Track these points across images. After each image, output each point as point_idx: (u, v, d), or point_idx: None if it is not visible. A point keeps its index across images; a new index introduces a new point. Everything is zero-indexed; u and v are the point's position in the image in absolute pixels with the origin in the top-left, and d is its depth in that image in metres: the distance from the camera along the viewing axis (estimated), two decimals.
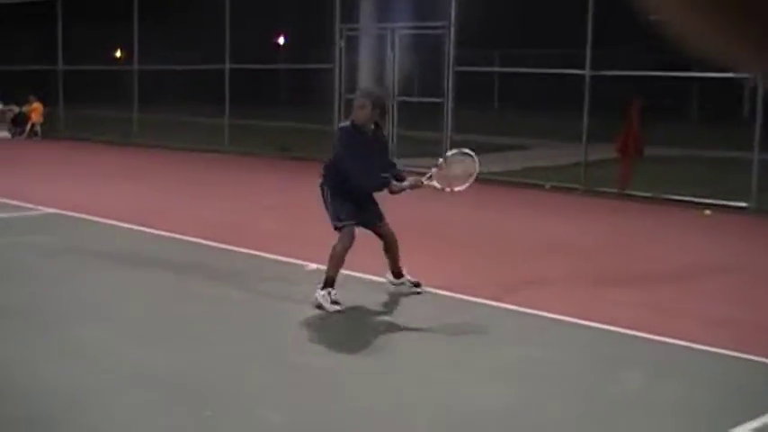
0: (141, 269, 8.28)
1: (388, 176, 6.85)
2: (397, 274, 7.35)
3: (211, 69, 21.02)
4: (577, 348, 6.08)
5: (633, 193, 13.75)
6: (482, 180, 15.62)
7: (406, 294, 7.33)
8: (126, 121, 22.86)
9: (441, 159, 7.25)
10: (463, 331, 6.47)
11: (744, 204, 12.80)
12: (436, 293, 7.36)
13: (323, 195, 6.93)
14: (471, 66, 17.52)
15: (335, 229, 6.83)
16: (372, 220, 7.03)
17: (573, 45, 15.06)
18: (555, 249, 9.56)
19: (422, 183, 7.02)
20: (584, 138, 14.68)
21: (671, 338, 6.17)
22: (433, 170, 7.12)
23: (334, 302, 6.70)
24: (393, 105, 17.76)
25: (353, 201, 6.84)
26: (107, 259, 8.63)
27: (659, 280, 8.20)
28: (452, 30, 16.16)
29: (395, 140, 17.75)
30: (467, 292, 7.35)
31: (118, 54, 27.86)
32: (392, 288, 7.43)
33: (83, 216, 10.77)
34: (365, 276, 7.74)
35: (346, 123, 6.99)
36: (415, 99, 20.84)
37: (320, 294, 6.72)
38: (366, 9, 18.37)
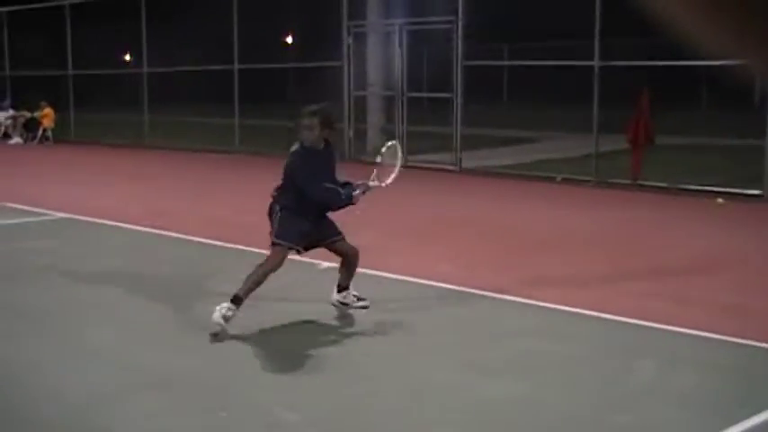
0: (154, 271, 8.30)
1: (349, 191, 6.46)
2: (344, 288, 6.79)
3: (220, 70, 21.05)
4: (590, 340, 6.07)
5: (645, 183, 13.72)
6: (493, 174, 15.73)
7: (418, 290, 7.33)
8: (136, 124, 22.92)
9: (379, 157, 6.92)
10: (474, 324, 6.47)
11: (757, 192, 12.74)
12: (448, 287, 7.35)
13: (271, 213, 6.58)
14: (480, 60, 17.48)
15: (272, 244, 6.44)
16: (328, 236, 6.57)
17: (581, 36, 15.02)
18: (567, 241, 9.54)
19: (368, 186, 6.58)
20: (595, 129, 14.64)
21: (684, 328, 6.15)
22: (375, 171, 6.76)
23: (225, 318, 6.05)
24: (402, 101, 17.76)
25: (308, 221, 6.45)
26: (120, 262, 8.65)
27: (672, 270, 8.17)
28: (460, 24, 16.14)
29: (405, 137, 17.77)
30: (478, 286, 7.34)
31: (127, 57, 27.91)
32: (404, 285, 7.42)
33: (95, 220, 10.80)
34: (375, 273, 7.74)
35: (296, 147, 6.58)
36: (424, 95, 20.85)
37: (220, 309, 6.09)
38: (373, 5, 18.35)
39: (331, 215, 6.62)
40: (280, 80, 24.50)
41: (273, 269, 6.31)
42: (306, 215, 6.44)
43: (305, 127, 6.46)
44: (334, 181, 6.57)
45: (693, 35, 0.63)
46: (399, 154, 6.98)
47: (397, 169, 6.80)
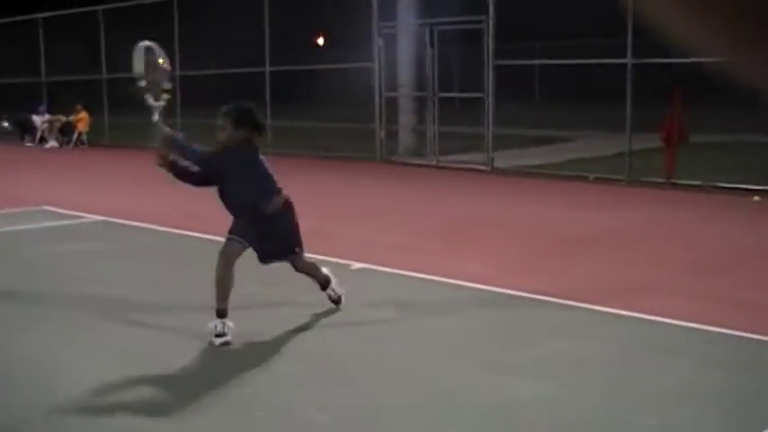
0: (190, 273, 8.36)
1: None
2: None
3: (252, 72, 21.15)
4: (620, 340, 6.04)
5: (679, 181, 13.62)
6: (525, 173, 15.68)
7: (448, 290, 7.33)
8: (170, 127, 23.05)
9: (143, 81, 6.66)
10: (504, 324, 6.46)
11: None
12: (477, 287, 7.35)
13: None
14: (511, 59, 17.44)
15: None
16: (276, 250, 6.45)
17: (614, 34, 14.93)
18: (599, 241, 9.50)
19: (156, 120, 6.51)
20: (628, 127, 14.55)
21: (716, 327, 6.11)
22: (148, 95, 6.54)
23: (219, 335, 5.93)
24: (434, 102, 17.77)
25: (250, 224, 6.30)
26: (156, 264, 8.73)
27: (706, 268, 8.11)
28: (491, 23, 16.10)
29: (436, 138, 17.76)
30: (508, 286, 7.34)
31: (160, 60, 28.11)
32: (434, 285, 7.43)
33: (131, 223, 10.91)
34: (405, 273, 7.76)
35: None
36: (455, 95, 20.83)
37: (212, 326, 5.97)
38: (403, 6, 18.37)
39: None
40: (311, 81, 24.58)
41: (229, 266, 6.15)
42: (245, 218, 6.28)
43: (219, 128, 6.37)
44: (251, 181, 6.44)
45: (684, 36, 0.63)
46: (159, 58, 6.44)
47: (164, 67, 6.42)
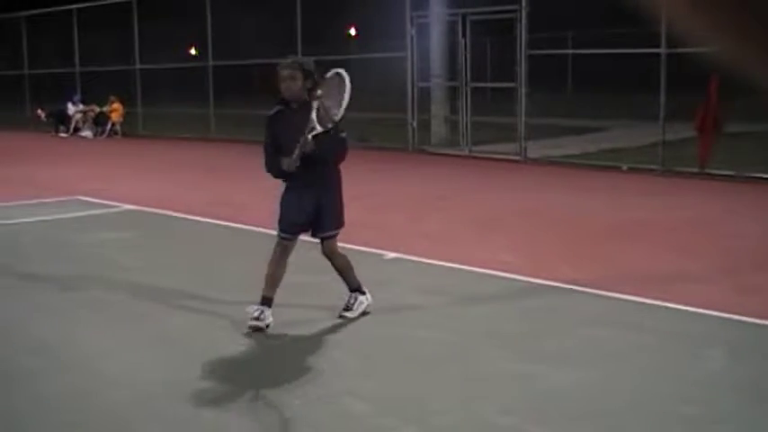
0: (223, 260, 8.44)
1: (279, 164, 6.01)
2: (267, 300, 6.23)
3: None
4: (657, 329, 6.02)
5: (713, 171, 13.51)
6: (558, 163, 15.62)
7: (483, 280, 7.34)
8: (203, 117, 23.20)
9: (315, 102, 5.93)
10: (539, 314, 6.46)
11: None
12: (512, 277, 7.35)
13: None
14: (544, 49, 17.36)
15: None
16: (319, 227, 6.32)
17: (647, 23, 14.81)
18: (633, 230, 9.46)
19: (307, 139, 5.81)
20: (662, 117, 14.45)
21: (754, 318, 6.08)
22: (313, 119, 5.84)
23: (255, 319, 5.97)
24: (466, 92, 17.73)
25: (302, 198, 6.17)
26: (190, 253, 8.81)
27: (741, 259, 8.06)
28: (524, 13, 16.04)
29: (469, 127, 17.73)
30: (543, 276, 7.33)
31: (192, 51, 28.27)
32: (469, 275, 7.45)
33: (164, 212, 10.99)
34: (440, 263, 7.78)
35: (272, 111, 6.20)
36: (487, 84, 20.77)
37: (257, 315, 5.98)
38: None
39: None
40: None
41: (283, 262, 6.19)
42: (300, 189, 6.12)
43: (286, 78, 5.97)
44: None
45: (699, 37, 0.64)
46: (347, 82, 5.93)
47: (345, 99, 5.87)
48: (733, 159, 13.78)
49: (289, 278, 6.99)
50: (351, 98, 5.87)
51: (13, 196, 12.35)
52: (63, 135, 24.32)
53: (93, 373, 5.27)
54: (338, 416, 4.59)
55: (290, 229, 6.16)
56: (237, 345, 5.80)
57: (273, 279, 6.11)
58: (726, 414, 4.57)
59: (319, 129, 5.85)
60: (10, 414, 4.66)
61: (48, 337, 6.03)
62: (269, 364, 5.40)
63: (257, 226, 9.76)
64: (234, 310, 6.64)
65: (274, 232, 9.30)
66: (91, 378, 5.19)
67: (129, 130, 23.93)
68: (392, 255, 7.80)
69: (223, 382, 5.06)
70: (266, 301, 6.08)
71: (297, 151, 5.82)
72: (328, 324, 6.29)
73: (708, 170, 13.58)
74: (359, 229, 9.19)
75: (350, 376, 5.17)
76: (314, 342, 5.85)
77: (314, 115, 5.86)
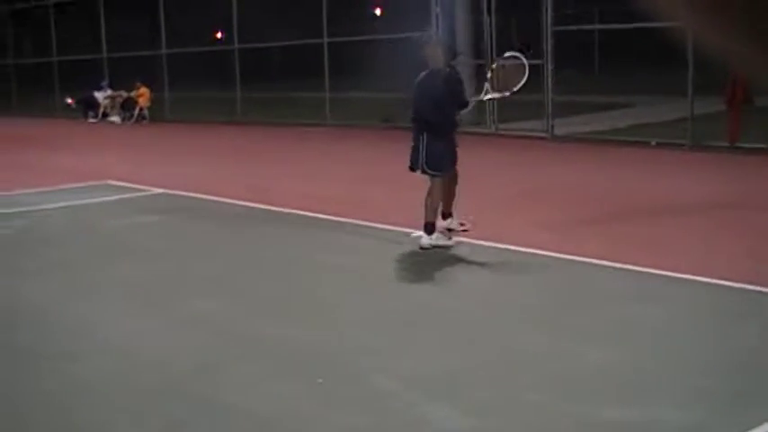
0: (252, 242, 8.48)
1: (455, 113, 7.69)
2: (448, 215, 7.73)
3: (310, 44, 21.19)
4: (687, 304, 6.00)
5: (743, 145, 13.38)
6: (586, 140, 15.53)
7: (512, 256, 7.34)
8: (229, 101, 23.25)
9: (489, 72, 7.95)
10: (569, 289, 6.45)
11: None
12: (542, 254, 7.33)
13: (417, 139, 7.57)
14: (570, 25, 17.22)
15: (431, 176, 7.50)
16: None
17: None
18: (663, 206, 9.40)
19: (481, 100, 8.05)
20: (690, 91, 14.31)
21: None
22: (486, 85, 7.82)
23: (448, 237, 7.51)
24: (491, 69, 17.62)
25: (449, 144, 7.57)
26: (218, 234, 8.86)
27: None
28: None
29: (495, 105, 17.64)
30: (572, 252, 7.31)
31: (219, 35, 28.31)
32: (498, 252, 7.45)
33: (193, 194, 11.05)
34: (469, 240, 7.78)
35: (423, 74, 7.59)
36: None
37: (432, 239, 7.42)
38: None
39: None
40: (368, 52, 24.55)
41: (441, 197, 7.51)
42: (446, 137, 7.52)
43: (429, 54, 7.51)
44: (462, 102, 7.74)
45: (698, 36, 0.64)
46: (524, 61, 7.77)
47: (524, 75, 7.68)
48: (764, 133, 13.63)
49: (317, 256, 7.03)
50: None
51: (45, 182, 12.46)
52: (92, 121, 24.47)
53: (126, 356, 5.32)
54: (367, 393, 4.60)
55: (448, 170, 7.56)
56: (264, 325, 5.83)
57: (435, 207, 7.50)
58: (755, 390, 4.55)
59: (491, 95, 7.84)
60: (45, 395, 4.72)
61: (81, 320, 6.09)
62: (297, 343, 5.43)
63: (286, 207, 9.81)
64: (263, 292, 6.69)
65: (304, 213, 9.35)
66: (123, 360, 5.24)
67: (156, 115, 24.03)
68: (418, 233, 7.80)
69: (252, 364, 5.09)
70: (432, 227, 7.44)
71: (469, 107, 7.79)
72: (358, 303, 6.31)
73: (738, 144, 13.45)
74: (387, 208, 9.23)
75: (380, 355, 5.18)
76: (343, 321, 5.87)
77: (487, 84, 7.79)
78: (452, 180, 7.69)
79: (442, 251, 7.68)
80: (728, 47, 0.63)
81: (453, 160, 7.65)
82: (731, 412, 4.21)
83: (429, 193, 7.53)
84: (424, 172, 7.58)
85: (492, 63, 17.15)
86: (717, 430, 3.99)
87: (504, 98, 7.98)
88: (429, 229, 7.46)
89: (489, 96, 7.92)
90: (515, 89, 7.76)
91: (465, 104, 7.80)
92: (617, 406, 4.29)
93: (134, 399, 4.64)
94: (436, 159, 7.47)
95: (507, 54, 8.06)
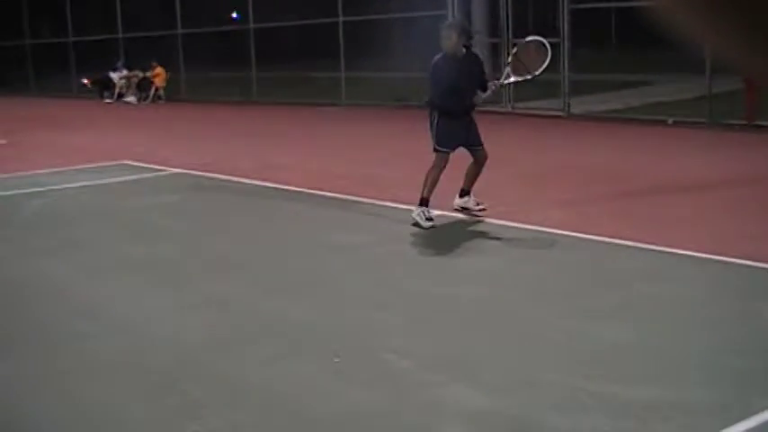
0: (268, 222, 8.49)
1: (473, 95, 7.64)
2: (465, 192, 7.95)
3: (325, 23, 21.12)
4: (706, 283, 5.96)
5: (762, 123, 13.27)
6: (603, 118, 15.45)
7: (529, 235, 7.31)
8: (245, 81, 23.22)
9: (509, 57, 8.07)
10: (587, 269, 6.42)
11: None
12: (559, 233, 7.30)
13: (430, 118, 7.68)
14: (586, 3, 17.10)
15: (434, 150, 7.64)
16: (473, 143, 7.76)
17: None
18: (681, 185, 9.34)
19: (502, 84, 7.98)
20: (708, 69, 14.19)
21: None
22: (507, 69, 7.93)
23: (428, 219, 7.50)
24: (508, 49, 17.53)
25: (459, 125, 7.63)
26: (233, 214, 8.86)
27: None
28: None
29: (511, 84, 17.54)
30: (590, 231, 7.27)
31: (234, 15, 28.25)
32: (515, 231, 7.43)
33: (209, 174, 11.06)
34: (486, 220, 7.76)
35: (437, 57, 7.61)
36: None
37: (416, 213, 7.55)
38: None
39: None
40: (383, 31, 24.46)
41: (442, 170, 7.58)
42: (457, 118, 7.59)
43: (444, 38, 7.55)
44: (480, 82, 7.71)
45: (696, 35, 0.62)
46: (546, 45, 7.87)
47: (547, 60, 7.77)
48: None
49: (331, 236, 7.01)
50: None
51: (61, 162, 12.49)
52: (108, 101, 24.51)
53: (140, 335, 5.33)
54: (381, 372, 4.59)
55: (450, 145, 7.63)
56: (278, 304, 5.83)
57: (433, 184, 7.58)
58: None
59: (513, 78, 7.87)
60: (61, 373, 4.74)
61: (96, 300, 6.11)
62: (310, 322, 5.43)
63: (302, 187, 9.80)
64: (278, 271, 6.69)
65: (320, 192, 9.35)
66: (138, 339, 5.25)
67: (171, 95, 24.04)
68: (436, 212, 7.79)
69: (265, 343, 5.09)
70: (426, 202, 7.56)
71: (488, 92, 7.68)
72: (371, 282, 6.30)
73: (757, 122, 13.34)
74: (402, 187, 9.20)
75: (394, 334, 5.17)
76: (357, 300, 5.86)
77: (508, 69, 7.88)
78: (481, 161, 7.81)
79: (456, 230, 7.67)
80: (729, 47, 0.62)
81: (458, 140, 7.72)
82: (757, 393, 4.18)
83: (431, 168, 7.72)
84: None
85: (512, 45, 17.16)
86: (742, 409, 3.96)
87: (525, 81, 7.98)
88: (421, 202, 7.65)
89: (511, 80, 7.95)
90: (537, 73, 7.80)
91: (484, 87, 7.76)
92: (640, 385, 4.26)
93: (149, 378, 4.65)
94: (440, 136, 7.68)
95: (529, 38, 8.05)
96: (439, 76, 7.57)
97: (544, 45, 7.89)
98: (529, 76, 7.82)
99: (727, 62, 0.62)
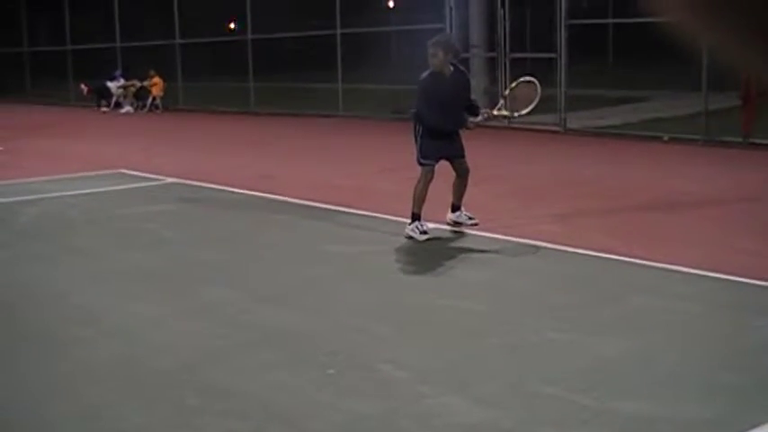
0: (263, 232, 8.50)
1: (464, 115, 7.73)
2: (456, 207, 7.98)
3: (323, 35, 21.17)
4: (702, 299, 5.98)
5: (758, 141, 13.32)
6: (599, 134, 15.49)
7: (524, 249, 7.33)
8: (243, 91, 23.25)
9: (507, 90, 8.23)
10: (582, 283, 6.44)
11: None
12: (554, 247, 7.32)
13: (414, 130, 7.76)
14: (584, 18, 17.17)
15: (419, 163, 7.71)
16: (456, 154, 7.80)
17: None
18: (676, 200, 9.37)
19: (493, 114, 7.96)
20: (704, 86, 14.24)
21: None
22: (501, 102, 8.11)
23: (423, 232, 7.57)
24: (505, 63, 17.58)
25: (442, 139, 7.66)
26: (231, 225, 8.87)
27: None
28: None
29: (507, 98, 17.59)
30: (585, 246, 7.29)
31: (232, 25, 28.31)
32: (511, 245, 7.45)
33: (205, 184, 11.07)
34: (481, 234, 7.78)
35: (425, 74, 7.65)
36: (527, 55, 20.58)
37: (410, 228, 7.61)
38: None
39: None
40: (381, 44, 24.55)
41: (428, 183, 7.63)
42: (439, 133, 7.62)
43: (430, 56, 7.55)
44: (467, 100, 7.81)
45: (699, 37, 0.63)
46: (538, 89, 7.97)
47: (534, 103, 7.91)
48: None
49: (324, 247, 7.02)
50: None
51: (58, 169, 12.50)
52: (105, 110, 24.51)
53: (137, 342, 5.34)
54: (376, 383, 4.60)
55: (434, 156, 7.69)
56: (272, 314, 5.85)
57: (422, 199, 7.62)
58: None
59: (506, 113, 8.10)
60: (58, 379, 4.75)
61: (93, 307, 6.11)
62: (305, 333, 5.44)
63: (298, 198, 9.81)
64: (273, 281, 6.70)
65: (316, 204, 9.38)
66: (134, 346, 5.26)
67: (169, 105, 24.06)
68: (431, 225, 7.81)
69: (261, 352, 5.10)
70: (417, 217, 7.61)
71: (479, 118, 7.79)
72: (367, 294, 6.32)
73: (752, 140, 13.39)
74: (397, 200, 9.21)
75: (389, 345, 5.18)
76: (351, 311, 5.87)
77: (502, 101, 8.10)
78: (464, 174, 7.87)
79: (451, 243, 7.69)
80: (729, 46, 0.63)
81: (439, 153, 7.77)
82: (751, 408, 4.20)
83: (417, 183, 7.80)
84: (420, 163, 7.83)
85: (508, 60, 17.23)
86: (736, 425, 3.98)
87: (512, 118, 8.29)
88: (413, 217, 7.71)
89: (502, 113, 8.15)
90: (522, 112, 8.06)
91: (471, 107, 7.86)
92: (635, 399, 4.28)
93: (145, 384, 4.66)
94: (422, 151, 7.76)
95: (529, 78, 8.16)
96: (427, 94, 7.64)
97: (536, 89, 8.04)
98: (516, 114, 8.13)
99: (732, 63, 0.64)
